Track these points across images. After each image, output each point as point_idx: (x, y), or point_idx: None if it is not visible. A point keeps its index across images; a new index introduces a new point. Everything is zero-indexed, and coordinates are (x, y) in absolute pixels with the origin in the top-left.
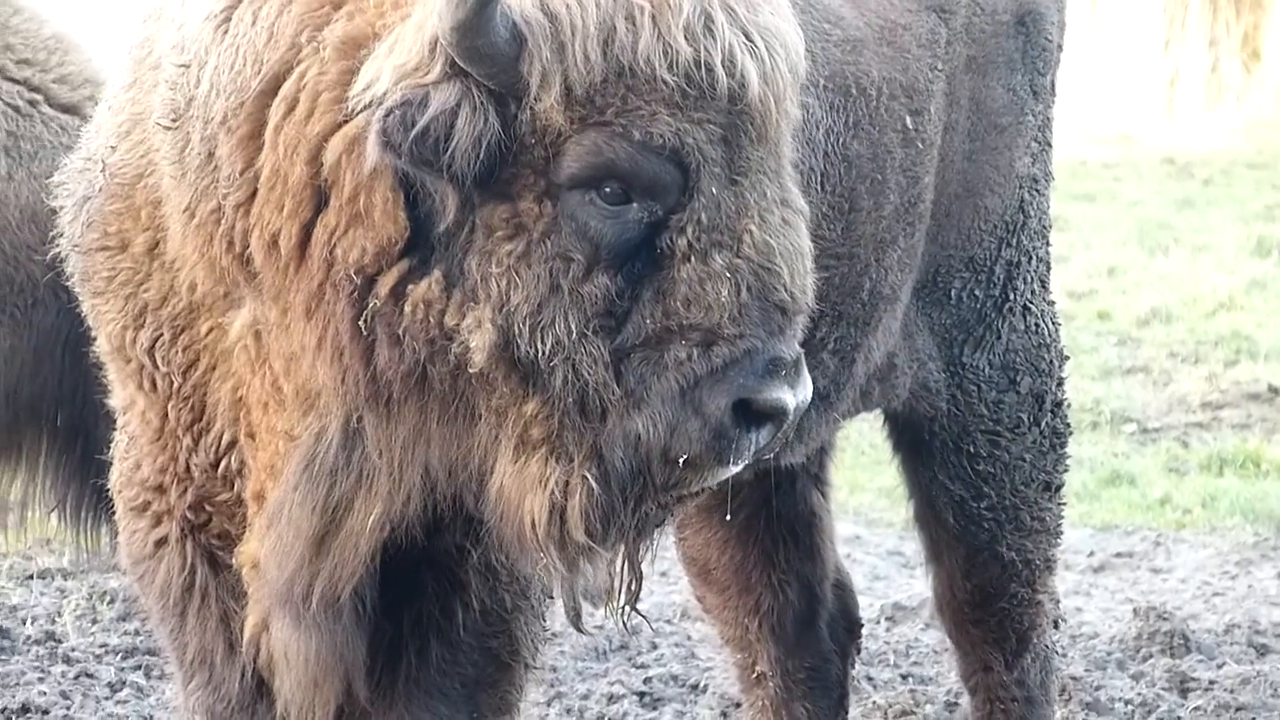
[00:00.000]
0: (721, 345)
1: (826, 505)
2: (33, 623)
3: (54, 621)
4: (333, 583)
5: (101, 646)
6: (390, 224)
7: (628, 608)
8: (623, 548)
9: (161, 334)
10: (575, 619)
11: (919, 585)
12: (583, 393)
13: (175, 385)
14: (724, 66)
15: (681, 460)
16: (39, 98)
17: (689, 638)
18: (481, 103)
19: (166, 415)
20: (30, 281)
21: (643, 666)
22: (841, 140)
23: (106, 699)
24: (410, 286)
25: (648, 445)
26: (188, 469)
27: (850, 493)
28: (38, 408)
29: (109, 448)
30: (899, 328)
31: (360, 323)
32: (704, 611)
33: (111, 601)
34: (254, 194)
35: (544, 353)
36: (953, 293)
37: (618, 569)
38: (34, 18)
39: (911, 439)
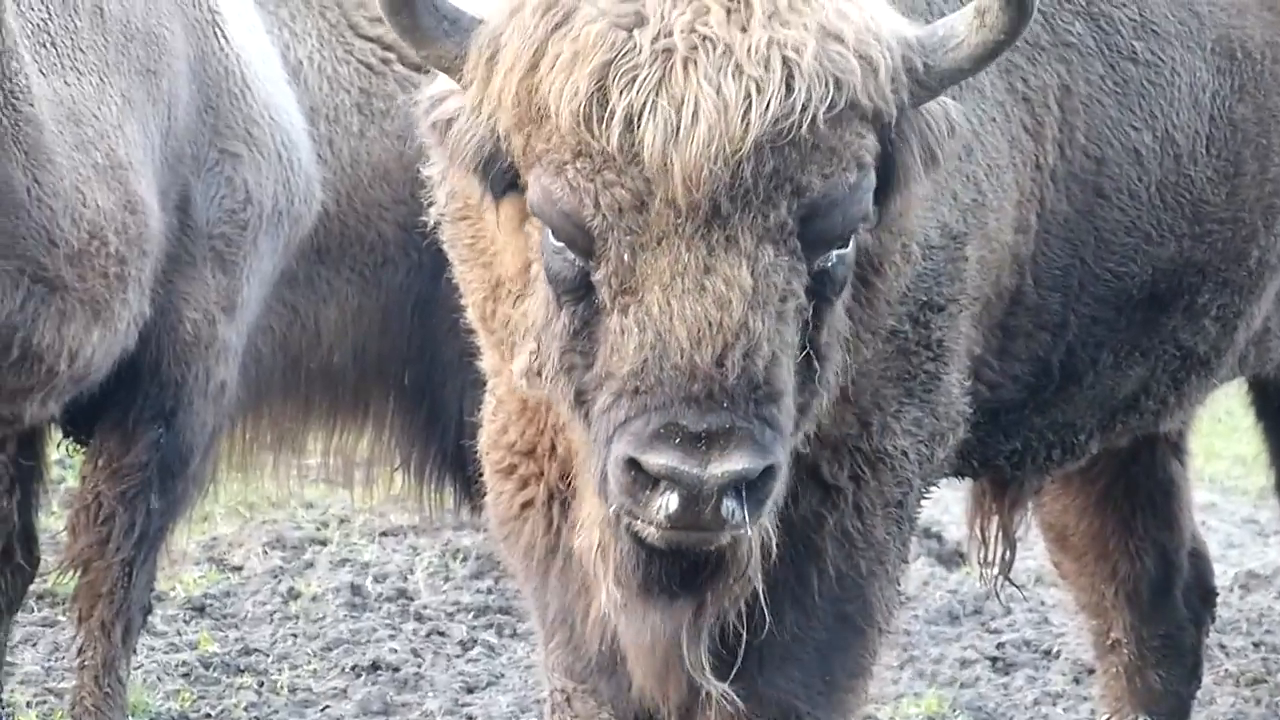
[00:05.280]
0: (625, 399)
1: (1184, 473)
2: (384, 580)
3: (406, 579)
4: None
5: (453, 604)
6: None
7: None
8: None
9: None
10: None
11: (1274, 554)
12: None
13: None
14: (625, 124)
15: (612, 510)
16: (392, 56)
17: (1042, 603)
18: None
19: None
20: (380, 240)
21: (996, 631)
22: (1227, 104)
23: (457, 657)
24: None
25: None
26: (552, 444)
27: (1206, 460)
28: (385, 367)
29: (455, 408)
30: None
31: None
32: (1060, 577)
33: (464, 559)
34: None
35: (545, 382)
36: None
37: (992, 536)
38: None
39: (1277, 406)
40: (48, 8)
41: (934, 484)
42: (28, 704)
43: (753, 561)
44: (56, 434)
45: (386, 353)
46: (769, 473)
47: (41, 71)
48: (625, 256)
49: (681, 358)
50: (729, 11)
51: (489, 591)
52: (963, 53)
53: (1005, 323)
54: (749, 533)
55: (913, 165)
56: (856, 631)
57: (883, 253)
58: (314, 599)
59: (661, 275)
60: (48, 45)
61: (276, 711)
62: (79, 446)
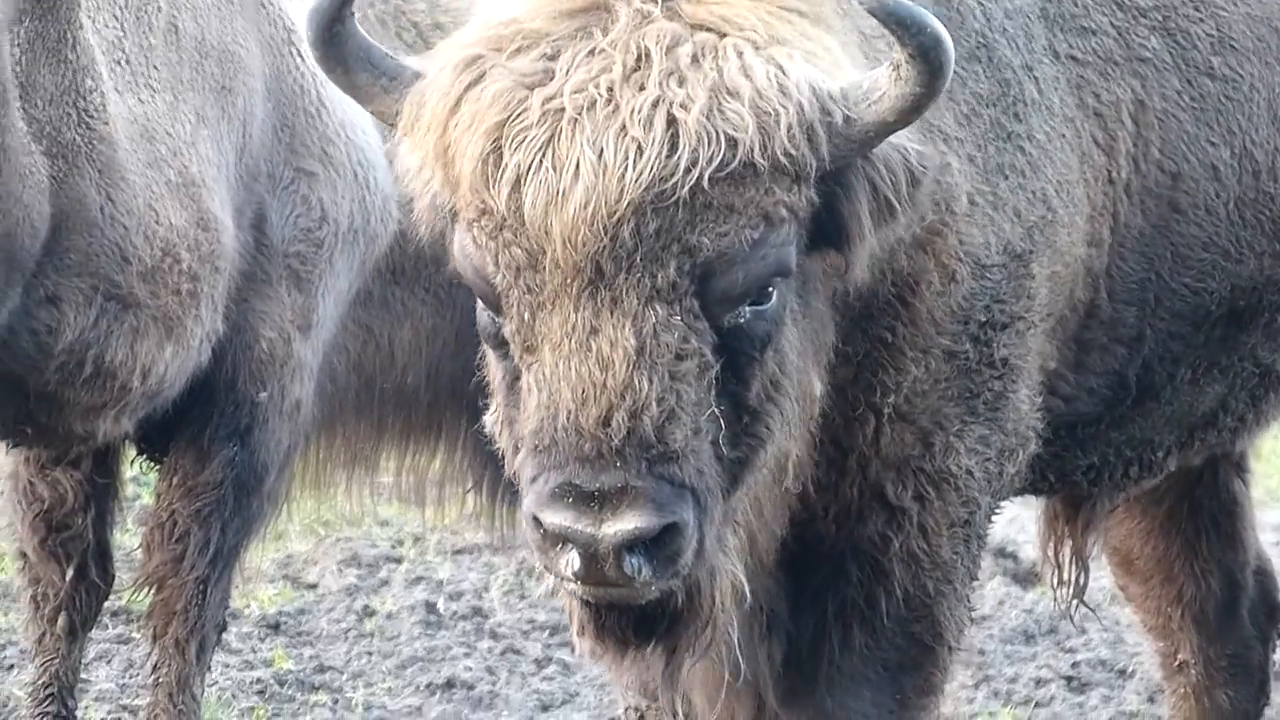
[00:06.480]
0: (530, 457)
1: (1247, 492)
2: (459, 598)
3: (481, 597)
4: None
5: (529, 622)
6: None
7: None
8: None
9: None
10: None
11: None
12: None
13: None
14: (513, 184)
15: (539, 566)
16: None
17: (1117, 622)
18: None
19: None
20: None
21: (1071, 650)
22: None
23: (532, 675)
24: None
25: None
26: None
27: None
28: (458, 388)
29: None
30: None
31: None
32: (1127, 600)
33: (539, 577)
34: None
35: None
36: None
37: (1066, 560)
38: None
39: None
40: (122, 25)
41: (1006, 500)
42: None
43: (717, 609)
44: (131, 451)
45: (460, 374)
46: (672, 530)
47: (116, 89)
48: (525, 315)
49: (568, 419)
50: (629, 70)
51: (564, 609)
52: (884, 105)
53: (1080, 336)
54: (665, 589)
55: (862, 215)
56: (926, 650)
57: (917, 272)
58: (389, 617)
59: (553, 335)
60: (122, 63)
61: None
62: (154, 464)
